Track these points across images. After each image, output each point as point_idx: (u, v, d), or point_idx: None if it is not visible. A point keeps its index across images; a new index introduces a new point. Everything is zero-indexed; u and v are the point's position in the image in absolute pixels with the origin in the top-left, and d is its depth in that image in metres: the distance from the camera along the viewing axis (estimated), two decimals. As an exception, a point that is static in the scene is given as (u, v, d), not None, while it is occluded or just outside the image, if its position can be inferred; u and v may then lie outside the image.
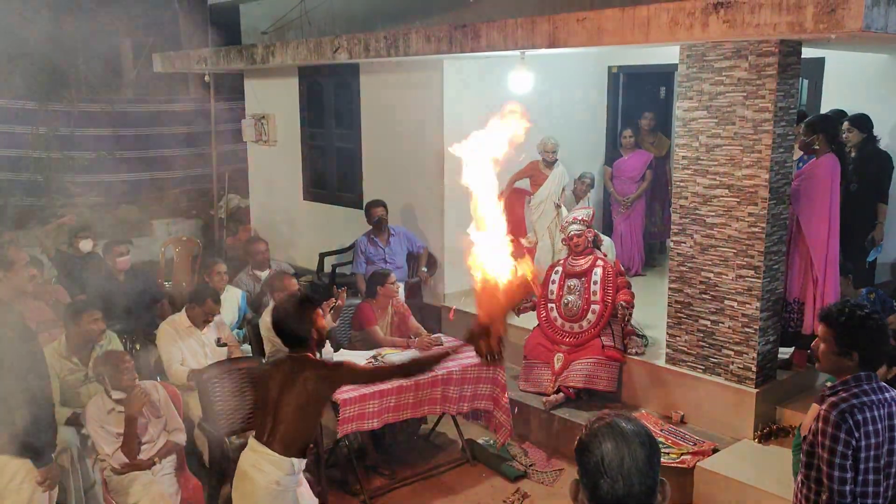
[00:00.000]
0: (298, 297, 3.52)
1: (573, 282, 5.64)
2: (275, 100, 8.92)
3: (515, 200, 7.33)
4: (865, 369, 2.73)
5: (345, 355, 5.20)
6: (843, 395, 2.69)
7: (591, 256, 5.66)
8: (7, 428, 3.34)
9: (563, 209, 7.13)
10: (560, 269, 5.77)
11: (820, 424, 2.68)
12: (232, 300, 6.19)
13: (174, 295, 7.58)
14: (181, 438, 4.33)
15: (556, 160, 7.03)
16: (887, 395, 2.73)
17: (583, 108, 7.91)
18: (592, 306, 5.54)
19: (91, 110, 11.11)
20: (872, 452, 2.65)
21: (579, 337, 5.56)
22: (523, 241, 7.16)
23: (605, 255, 5.84)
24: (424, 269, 6.93)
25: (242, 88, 9.54)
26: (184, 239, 8.95)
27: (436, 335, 5.66)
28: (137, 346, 5.59)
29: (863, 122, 5.93)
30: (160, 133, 11.70)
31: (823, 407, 2.70)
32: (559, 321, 5.65)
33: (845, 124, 5.91)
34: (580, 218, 5.76)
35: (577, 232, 5.64)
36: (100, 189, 10.78)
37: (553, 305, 5.70)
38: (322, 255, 7.66)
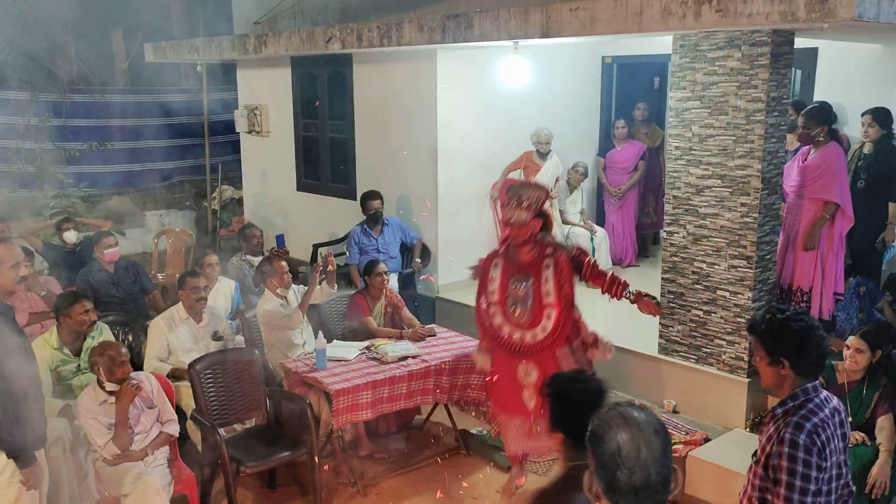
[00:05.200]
0: None
1: (518, 279, 4.24)
2: (267, 90, 8.89)
3: (509, 191, 7.32)
4: (804, 378, 2.50)
5: (338, 346, 5.21)
6: (803, 412, 2.45)
7: (536, 247, 4.23)
8: None
9: (556, 200, 7.15)
10: (500, 262, 4.36)
11: (786, 449, 2.40)
12: (225, 291, 6.18)
13: (167, 286, 7.60)
14: (174, 430, 4.32)
15: (550, 151, 7.02)
16: (831, 404, 2.54)
17: (576, 99, 7.90)
18: (547, 311, 4.19)
19: (82, 101, 11.06)
20: (833, 472, 2.48)
21: (534, 351, 4.24)
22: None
23: (555, 241, 4.42)
24: (418, 259, 6.92)
25: (235, 79, 9.49)
26: (177, 230, 8.93)
27: (429, 326, 5.67)
28: (130, 338, 5.57)
29: (885, 117, 5.75)
30: (152, 124, 11.66)
31: (788, 430, 2.42)
32: (506, 329, 4.27)
33: (866, 118, 5.77)
34: (527, 201, 4.12)
35: (517, 220, 4.09)
36: (91, 180, 10.74)
37: (496, 310, 4.31)
38: (316, 246, 7.64)
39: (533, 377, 4.14)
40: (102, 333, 4.90)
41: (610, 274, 4.37)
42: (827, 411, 2.49)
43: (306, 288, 5.57)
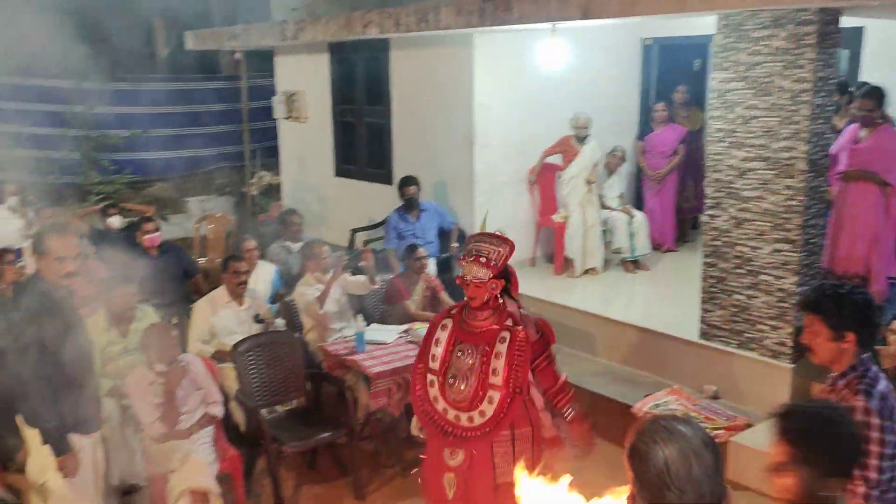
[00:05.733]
0: None
1: (466, 348, 3.38)
2: (305, 76, 8.94)
3: (546, 176, 7.29)
4: (864, 350, 2.54)
5: (376, 329, 5.25)
6: (867, 380, 2.48)
7: (495, 315, 3.35)
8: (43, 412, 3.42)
9: (595, 185, 7.10)
10: (449, 325, 3.46)
11: (858, 417, 2.39)
12: (265, 275, 6.26)
13: (208, 270, 7.72)
14: (218, 410, 4.41)
15: (588, 135, 6.97)
16: (883, 380, 2.54)
17: (615, 82, 7.81)
18: (490, 393, 3.29)
19: (126, 89, 11.23)
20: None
21: (467, 437, 3.34)
22: (554, 217, 7.14)
23: (519, 306, 3.50)
24: (455, 244, 6.93)
25: (273, 65, 9.57)
26: (217, 216, 9.06)
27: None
28: (174, 321, 5.68)
29: None
30: (194, 111, 11.81)
31: (859, 398, 2.44)
32: (441, 405, 3.40)
33: None
34: (487, 256, 3.26)
35: (476, 279, 3.25)
36: (135, 167, 10.93)
37: (435, 380, 3.43)
38: (354, 231, 7.69)
39: (458, 459, 3.37)
40: (147, 316, 5.00)
41: (563, 379, 3.52)
42: (884, 383, 2.49)
43: (343, 274, 5.63)
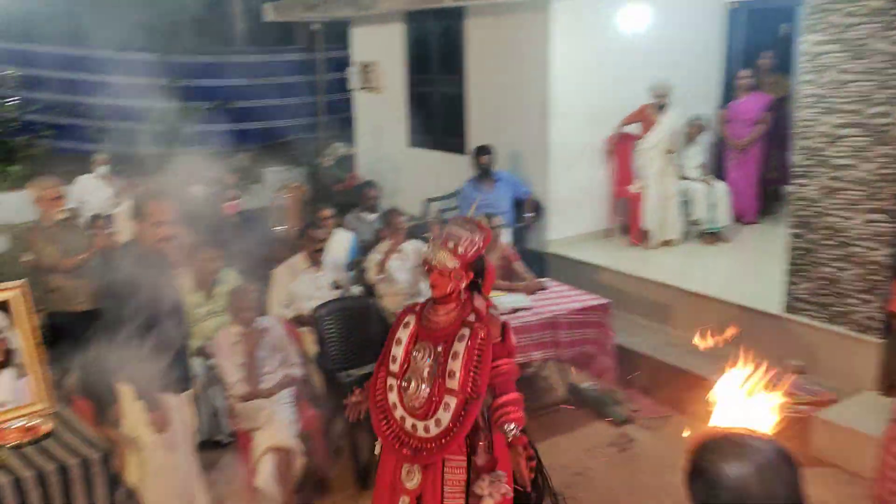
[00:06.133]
0: None
1: (424, 347, 3.03)
2: (380, 47, 8.97)
3: (624, 146, 7.15)
4: None
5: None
6: None
7: (458, 309, 3.00)
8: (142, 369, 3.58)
9: (674, 155, 6.92)
10: (412, 322, 3.11)
11: None
12: (342, 243, 6.36)
13: (285, 238, 7.89)
14: (298, 372, 4.53)
15: (669, 103, 6.79)
16: None
17: (697, 48, 7.57)
18: (447, 398, 2.92)
19: (207, 61, 11.51)
20: None
21: (421, 449, 2.96)
22: (630, 187, 7.01)
23: (488, 305, 3.06)
24: (530, 214, 6.89)
25: (348, 36, 9.63)
26: (293, 185, 9.21)
27: (541, 279, 5.65)
28: (249, 284, 5.84)
29: None
30: (272, 83, 12.01)
31: None
32: (398, 412, 3.04)
33: None
34: (457, 243, 2.90)
35: (440, 266, 2.91)
36: (215, 138, 11.22)
37: (394, 383, 3.08)
38: (428, 201, 7.73)
39: (415, 482, 2.99)
40: (231, 279, 5.17)
41: (517, 395, 3.00)
42: None
43: (420, 244, 5.67)
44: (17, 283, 3.63)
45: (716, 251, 6.92)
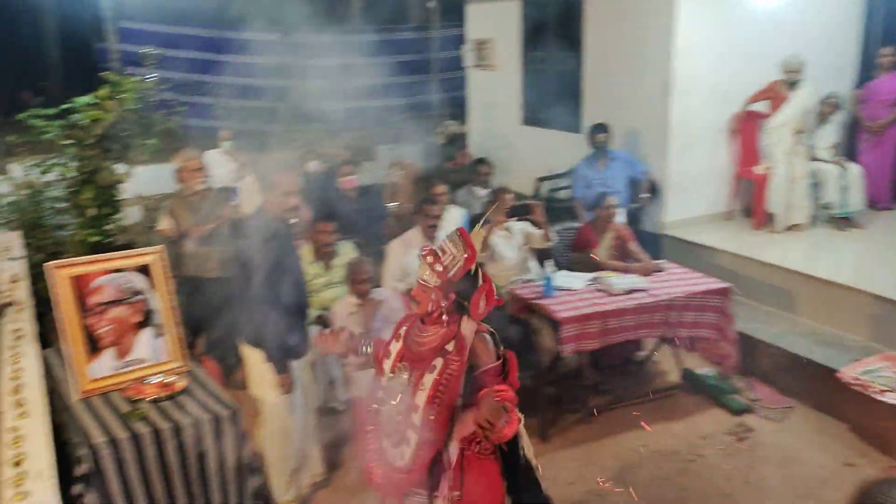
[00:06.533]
0: None
1: (403, 369, 2.81)
2: (496, 23, 8.92)
3: (750, 124, 6.85)
4: None
5: (564, 276, 5.23)
6: None
7: (438, 332, 2.75)
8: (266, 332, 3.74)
9: (805, 135, 6.57)
10: (402, 336, 2.90)
11: None
12: (455, 219, 6.40)
13: (398, 214, 8.03)
14: (413, 344, 4.61)
15: (800, 80, 6.43)
16: None
17: (834, 21, 7.12)
18: (409, 432, 2.72)
19: (322, 40, 11.77)
20: None
21: (396, 476, 2.78)
22: (756, 168, 6.71)
23: (481, 330, 2.73)
24: (646, 194, 6.72)
25: (464, 13, 9.63)
26: (406, 162, 9.34)
27: (658, 261, 5.51)
28: (365, 257, 5.98)
29: None
30: (386, 61, 12.18)
31: None
32: (385, 442, 2.82)
33: None
34: (441, 260, 2.70)
35: (420, 277, 2.74)
36: (329, 115, 11.50)
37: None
38: (540, 180, 7.67)
39: None
40: (348, 252, 5.31)
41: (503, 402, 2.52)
42: None
43: (525, 225, 5.64)
44: (156, 248, 3.86)
45: (847, 237, 6.54)
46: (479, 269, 2.74)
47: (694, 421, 4.94)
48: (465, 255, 2.69)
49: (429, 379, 2.68)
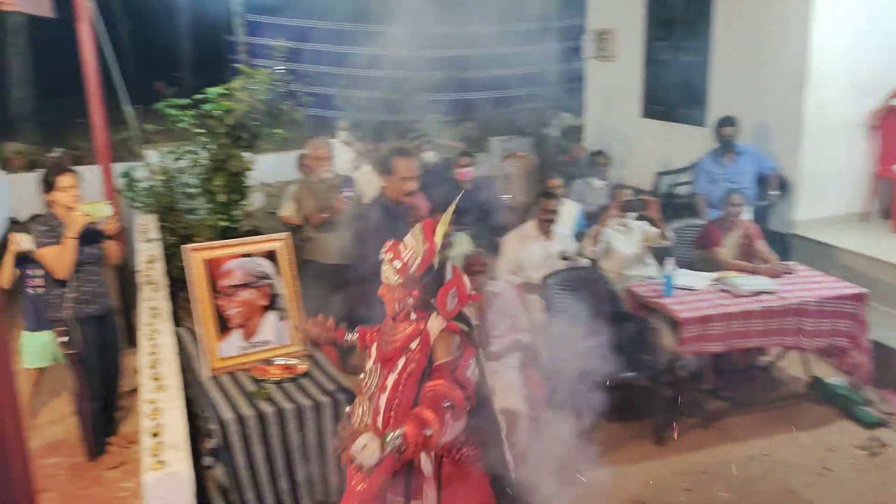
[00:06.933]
0: None
1: (374, 370, 2.74)
2: (618, 13, 8.71)
3: (892, 120, 6.39)
4: None
5: (685, 274, 5.05)
6: None
7: (407, 330, 2.65)
8: None
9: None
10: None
11: None
12: (569, 214, 6.31)
13: (512, 207, 8.00)
14: (526, 338, 4.58)
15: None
16: None
17: None
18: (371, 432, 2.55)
19: (441, 32, 11.85)
20: None
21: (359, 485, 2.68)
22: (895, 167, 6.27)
23: (451, 328, 2.59)
24: (775, 192, 6.39)
25: (584, 3, 9.45)
26: (521, 155, 9.29)
27: (787, 263, 5.24)
28: (483, 250, 5.98)
29: None
30: (499, 53, 12.14)
31: None
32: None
33: None
34: (400, 256, 2.61)
35: (384, 277, 2.65)
36: (445, 106, 11.59)
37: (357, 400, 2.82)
38: (659, 175, 7.44)
39: None
40: (462, 243, 5.32)
41: (432, 415, 2.40)
42: None
43: (642, 222, 5.49)
44: (282, 235, 4.00)
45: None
46: (448, 264, 2.63)
47: (822, 432, 4.68)
48: (425, 248, 2.58)
49: (391, 379, 2.59)
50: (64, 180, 4.17)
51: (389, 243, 2.64)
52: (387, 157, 3.93)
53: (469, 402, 2.52)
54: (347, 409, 2.82)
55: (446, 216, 2.64)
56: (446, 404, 2.43)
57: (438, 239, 2.61)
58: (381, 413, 2.58)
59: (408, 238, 2.63)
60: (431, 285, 2.58)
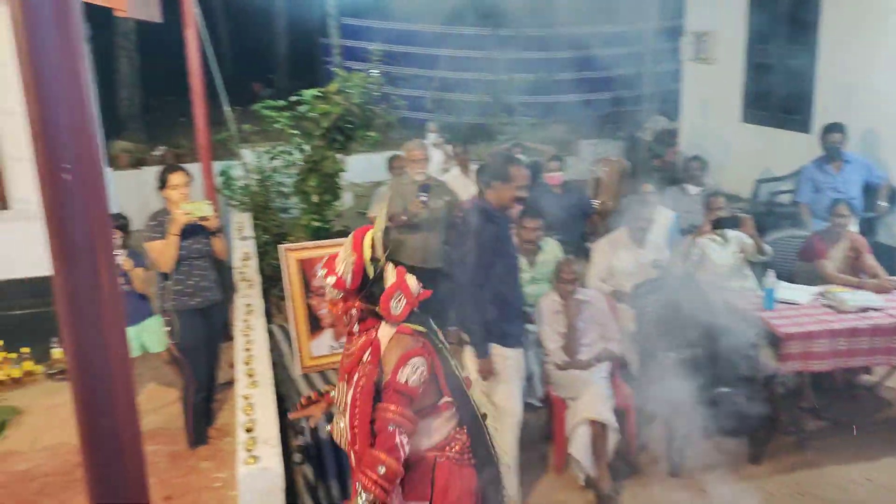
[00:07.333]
0: None
1: (342, 386, 2.69)
2: (719, 14, 8.43)
3: None
4: None
5: (786, 288, 4.83)
6: None
7: (361, 341, 2.61)
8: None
9: None
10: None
11: None
12: (663, 221, 6.14)
13: (602, 212, 7.86)
14: (616, 348, 4.48)
15: None
16: None
17: None
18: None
19: (532, 35, 11.79)
20: None
21: None
22: None
23: (402, 331, 2.55)
24: (883, 203, 6.04)
25: (683, 4, 9.21)
26: (613, 159, 9.11)
27: (897, 278, 4.95)
28: (572, 256, 5.89)
29: None
30: (593, 55, 11.97)
31: None
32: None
33: None
34: (333, 269, 2.58)
35: (328, 294, 2.64)
36: (536, 109, 11.51)
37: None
38: (759, 182, 7.15)
39: None
40: (552, 249, 5.25)
41: (377, 455, 2.40)
42: None
43: (737, 232, 5.27)
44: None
45: None
46: (388, 269, 2.55)
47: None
48: (353, 260, 2.53)
49: (349, 396, 2.53)
50: (175, 178, 4.35)
51: (325, 259, 2.64)
52: (503, 164, 3.88)
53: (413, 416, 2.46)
54: (328, 427, 2.81)
55: (378, 223, 2.61)
56: (391, 428, 2.40)
57: (367, 248, 2.57)
58: (348, 430, 2.54)
59: (341, 250, 2.61)
60: (377, 294, 2.53)
